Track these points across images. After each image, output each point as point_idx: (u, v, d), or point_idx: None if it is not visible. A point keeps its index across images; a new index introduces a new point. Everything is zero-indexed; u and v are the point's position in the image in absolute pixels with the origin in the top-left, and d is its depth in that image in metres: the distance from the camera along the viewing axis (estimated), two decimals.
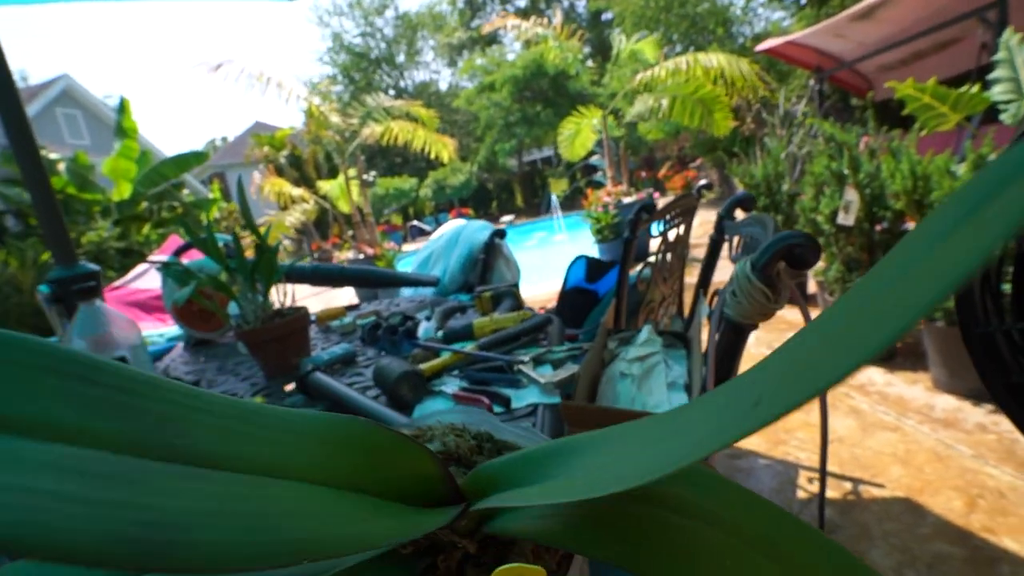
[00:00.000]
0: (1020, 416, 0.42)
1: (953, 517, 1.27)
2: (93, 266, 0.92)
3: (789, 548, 0.16)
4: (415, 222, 11.22)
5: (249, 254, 0.99)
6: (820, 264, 2.50)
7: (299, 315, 0.98)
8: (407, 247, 8.51)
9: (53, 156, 5.92)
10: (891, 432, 1.66)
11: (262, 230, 0.98)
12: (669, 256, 1.33)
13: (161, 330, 1.85)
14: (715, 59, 5.22)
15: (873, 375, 2.04)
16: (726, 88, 5.41)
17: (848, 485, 1.45)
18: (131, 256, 5.61)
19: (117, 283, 2.44)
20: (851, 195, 2.00)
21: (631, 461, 0.15)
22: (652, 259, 1.29)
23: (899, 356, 2.15)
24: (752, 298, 0.49)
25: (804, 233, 0.46)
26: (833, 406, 1.85)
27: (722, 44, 11.03)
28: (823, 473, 0.89)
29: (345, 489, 0.15)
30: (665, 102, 5.90)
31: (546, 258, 5.74)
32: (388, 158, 15.81)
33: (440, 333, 0.90)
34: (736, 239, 0.92)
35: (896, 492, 1.39)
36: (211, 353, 1.31)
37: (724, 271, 0.82)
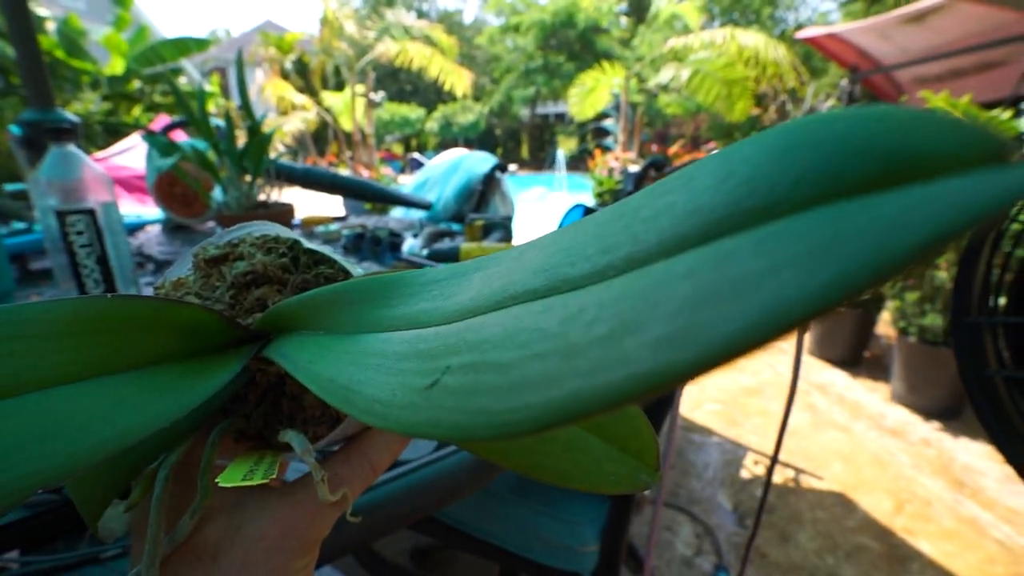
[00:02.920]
0: (985, 409, 0.42)
1: (880, 516, 1.34)
2: (72, 116, 0.86)
3: None
4: (416, 155, 10.91)
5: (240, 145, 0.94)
6: None
7: (284, 209, 0.95)
8: (403, 179, 8.32)
9: (42, 12, 5.52)
10: (840, 432, 1.72)
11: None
12: None
13: (139, 211, 1.79)
14: (753, 39, 5.03)
15: (836, 378, 2.09)
16: (757, 72, 5.25)
17: (790, 473, 1.51)
18: (117, 136, 5.36)
19: (99, 155, 2.34)
20: None
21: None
22: None
23: (863, 365, 2.20)
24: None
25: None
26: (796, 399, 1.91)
27: (763, 26, 10.63)
28: (774, 459, 0.92)
29: (112, 374, 0.15)
30: (686, 73, 5.70)
31: (542, 212, 5.67)
32: (398, 83, 15.18)
33: (425, 252, 0.88)
34: None
35: (833, 486, 1.45)
36: (188, 239, 1.27)
37: None
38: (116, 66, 5.84)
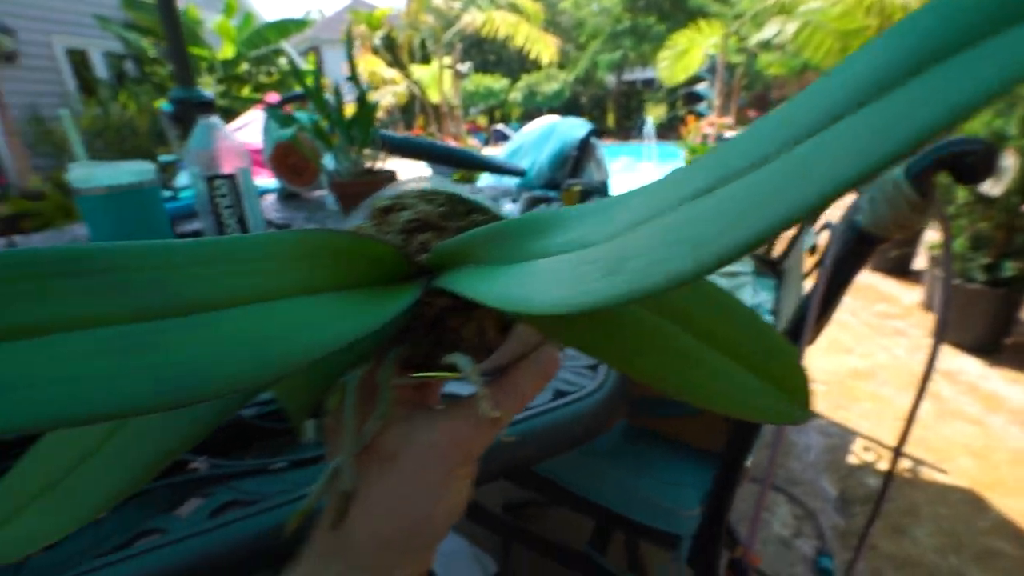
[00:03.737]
0: None
1: (1020, 519, 1.19)
2: (209, 93, 0.95)
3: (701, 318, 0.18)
4: (500, 126, 10.91)
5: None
6: (938, 236, 2.23)
7: (388, 176, 0.99)
8: (487, 150, 8.41)
9: None
10: (971, 425, 1.54)
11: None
12: None
13: (255, 181, 1.96)
14: None
15: (966, 365, 1.86)
16: (880, 21, 4.63)
17: (907, 463, 1.38)
18: (230, 115, 5.89)
19: None
20: (1008, 161, 1.71)
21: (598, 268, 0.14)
22: None
23: (1004, 352, 1.93)
24: (895, 205, 0.42)
25: (981, 139, 0.39)
26: (912, 385, 1.73)
27: None
28: (899, 448, 0.84)
29: (322, 292, 0.17)
30: (793, 27, 5.15)
31: (633, 181, 5.46)
32: (482, 53, 15.16)
33: None
34: None
35: (960, 482, 1.31)
36: (299, 205, 1.38)
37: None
38: (227, 51, 6.36)
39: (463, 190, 0.25)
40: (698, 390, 0.17)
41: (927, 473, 1.35)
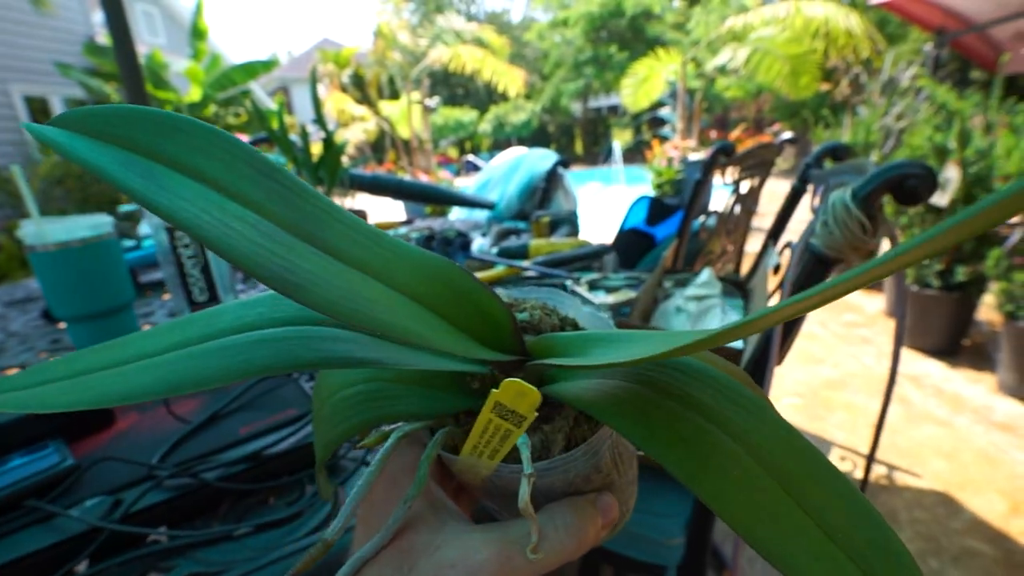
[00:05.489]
0: None
1: (992, 518, 1.22)
2: None
3: (805, 483, 0.15)
4: (470, 157, 11.05)
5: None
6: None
7: (359, 214, 0.99)
8: (459, 181, 8.49)
9: None
10: (939, 427, 1.58)
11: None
12: (738, 209, 1.26)
13: None
14: (820, 8, 4.70)
15: (931, 368, 1.93)
16: (825, 45, 4.91)
17: (882, 470, 1.41)
18: None
19: None
20: (951, 172, 1.82)
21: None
22: (720, 209, 1.23)
23: (963, 354, 2.01)
24: (846, 228, 0.45)
25: (921, 163, 0.42)
26: (881, 391, 1.78)
27: None
28: (871, 456, 0.86)
29: (426, 307, 0.19)
30: (744, 54, 5.43)
31: (604, 206, 5.57)
32: (450, 87, 15.47)
33: (495, 250, 0.90)
34: (821, 189, 0.86)
35: (933, 485, 1.34)
36: None
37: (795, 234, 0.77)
38: (195, 94, 6.34)
39: (580, 315, 0.25)
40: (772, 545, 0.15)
41: (902, 478, 1.37)
